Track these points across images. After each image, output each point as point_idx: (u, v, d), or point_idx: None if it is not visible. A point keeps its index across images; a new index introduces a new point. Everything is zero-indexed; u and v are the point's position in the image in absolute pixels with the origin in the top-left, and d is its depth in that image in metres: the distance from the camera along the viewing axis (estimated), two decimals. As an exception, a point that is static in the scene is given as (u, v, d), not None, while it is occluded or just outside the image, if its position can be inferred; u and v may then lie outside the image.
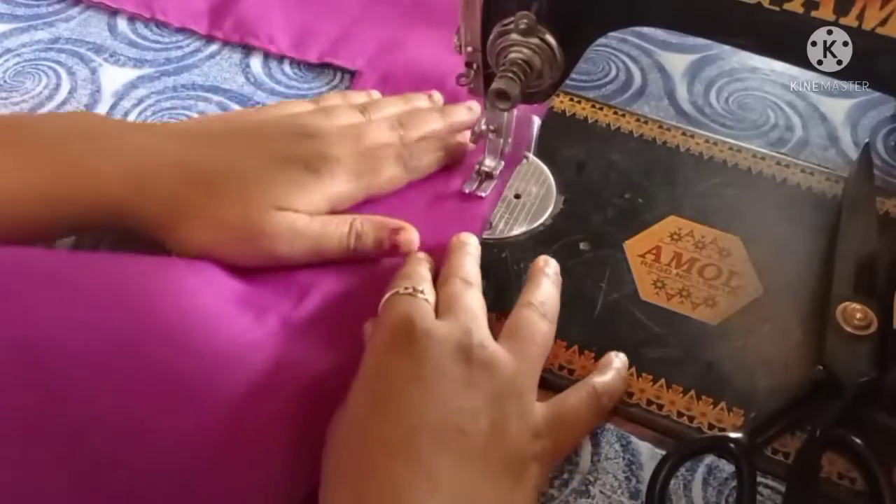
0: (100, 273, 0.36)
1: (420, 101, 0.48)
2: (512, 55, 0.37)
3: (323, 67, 0.55)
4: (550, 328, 0.38)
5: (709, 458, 0.36)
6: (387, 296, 0.36)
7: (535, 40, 0.37)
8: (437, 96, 0.49)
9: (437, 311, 0.36)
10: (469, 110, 0.47)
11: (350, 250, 0.41)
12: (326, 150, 0.42)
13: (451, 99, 0.49)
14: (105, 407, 0.31)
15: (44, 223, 0.39)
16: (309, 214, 0.40)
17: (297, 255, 0.40)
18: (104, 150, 0.40)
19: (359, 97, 0.48)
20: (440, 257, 0.42)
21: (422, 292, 0.36)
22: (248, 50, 0.56)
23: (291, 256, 0.40)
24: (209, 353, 0.34)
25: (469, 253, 0.41)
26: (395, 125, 0.45)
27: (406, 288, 0.36)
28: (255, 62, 0.55)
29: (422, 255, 0.41)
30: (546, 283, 0.39)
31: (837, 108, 0.53)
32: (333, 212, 0.42)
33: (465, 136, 0.47)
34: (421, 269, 0.39)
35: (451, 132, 0.47)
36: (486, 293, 0.41)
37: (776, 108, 0.53)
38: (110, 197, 0.39)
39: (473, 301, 0.37)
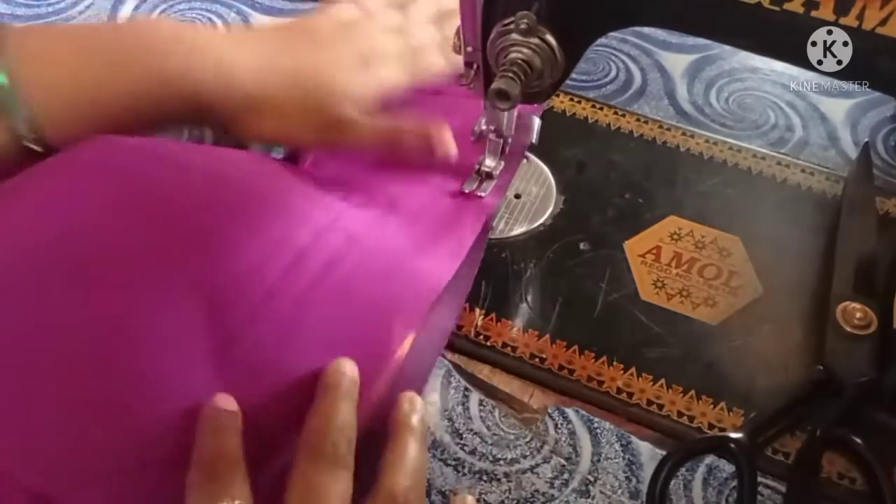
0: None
1: None
2: (512, 55, 0.37)
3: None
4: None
5: (709, 458, 0.36)
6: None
7: (535, 40, 0.37)
8: None
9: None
10: None
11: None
12: (374, 44, 0.45)
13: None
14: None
15: (132, 122, 0.39)
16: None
17: (366, 143, 0.43)
18: (194, 49, 0.41)
19: None
20: (442, 257, 0.42)
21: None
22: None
23: (359, 143, 0.43)
24: None
25: (344, 396, 0.32)
26: (426, 23, 0.47)
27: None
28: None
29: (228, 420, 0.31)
30: (410, 447, 0.32)
31: (837, 108, 0.53)
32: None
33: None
34: (223, 460, 0.30)
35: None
36: (486, 294, 0.42)
37: (776, 108, 0.53)
38: (202, 93, 0.40)
39: (331, 497, 0.30)
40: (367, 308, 0.37)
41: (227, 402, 0.31)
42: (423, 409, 0.34)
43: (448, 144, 0.43)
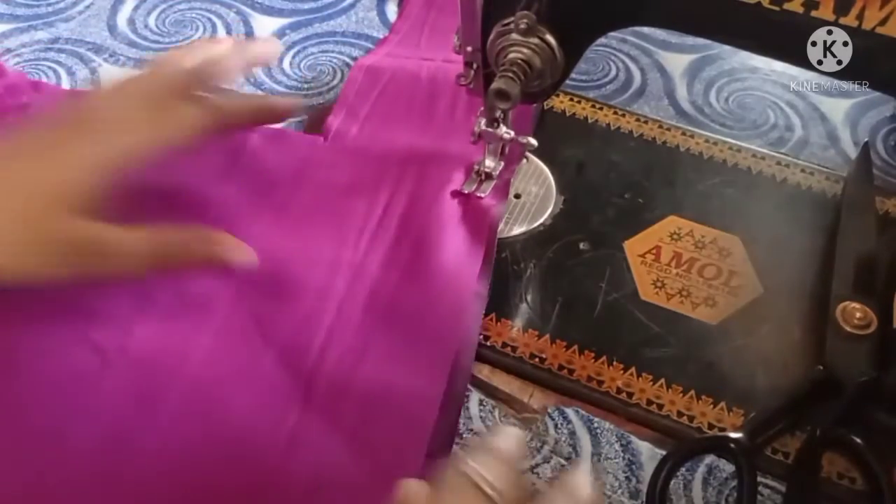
0: None
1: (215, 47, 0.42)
2: (512, 55, 0.37)
3: (323, 67, 0.55)
4: None
5: (709, 458, 0.36)
6: None
7: (535, 40, 0.37)
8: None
9: None
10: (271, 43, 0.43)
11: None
12: (106, 116, 0.36)
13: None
14: None
15: None
16: (93, 183, 0.34)
17: (107, 271, 0.35)
18: None
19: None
20: (442, 259, 0.42)
21: None
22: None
23: (100, 269, 0.35)
24: None
25: None
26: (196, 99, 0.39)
27: None
28: (255, 62, 0.55)
29: None
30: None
31: (837, 108, 0.54)
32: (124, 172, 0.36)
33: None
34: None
35: (246, 63, 0.42)
36: (486, 294, 0.41)
37: (776, 107, 0.53)
38: None
39: None
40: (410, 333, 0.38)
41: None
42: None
43: (242, 249, 0.37)
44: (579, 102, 0.52)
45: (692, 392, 0.38)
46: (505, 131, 0.42)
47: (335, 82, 0.54)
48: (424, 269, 0.41)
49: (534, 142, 0.44)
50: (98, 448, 0.34)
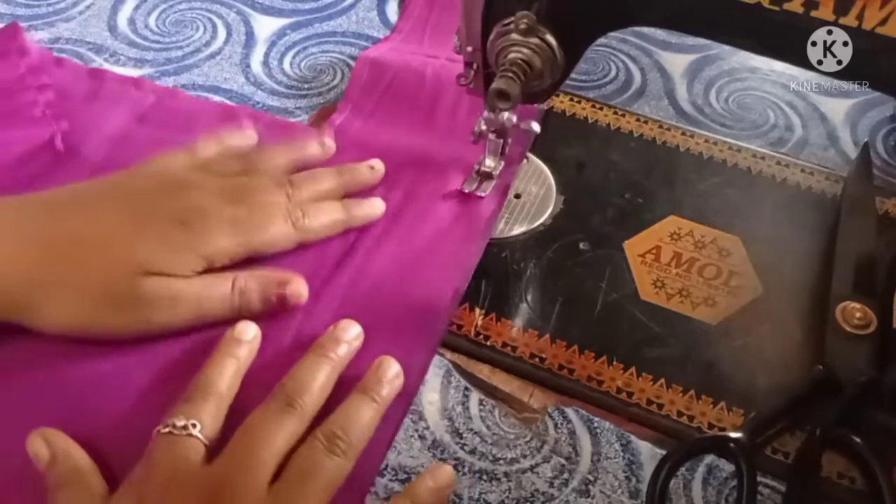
0: None
1: (311, 147, 0.45)
2: (512, 55, 0.37)
3: (323, 67, 0.55)
4: (340, 465, 0.33)
5: (709, 458, 0.37)
6: (156, 429, 0.33)
7: (535, 40, 0.37)
8: (329, 142, 0.46)
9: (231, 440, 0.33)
10: (371, 169, 0.45)
11: (236, 310, 0.38)
12: (197, 202, 0.38)
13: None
14: None
15: None
16: (185, 276, 0.37)
17: (179, 321, 0.37)
18: None
19: (236, 140, 0.45)
20: (443, 261, 0.42)
21: (192, 426, 0.32)
22: (248, 49, 0.56)
23: (172, 322, 0.37)
24: None
25: (325, 360, 0.36)
26: (283, 182, 0.42)
27: (167, 425, 0.33)
28: (255, 62, 0.55)
29: (228, 352, 0.36)
30: (359, 404, 0.35)
31: (837, 108, 0.54)
32: (211, 269, 0.38)
33: (377, 204, 0.43)
34: (206, 383, 0.35)
35: (345, 191, 0.44)
36: (486, 294, 0.42)
37: (776, 108, 0.53)
38: None
39: (273, 434, 0.33)
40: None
41: (242, 331, 0.37)
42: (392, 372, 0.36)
43: (304, 285, 0.39)
44: (579, 102, 0.52)
45: (692, 392, 0.38)
46: (507, 117, 0.42)
47: (335, 82, 0.54)
48: (409, 263, 0.42)
49: (536, 127, 0.44)
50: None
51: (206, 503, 0.30)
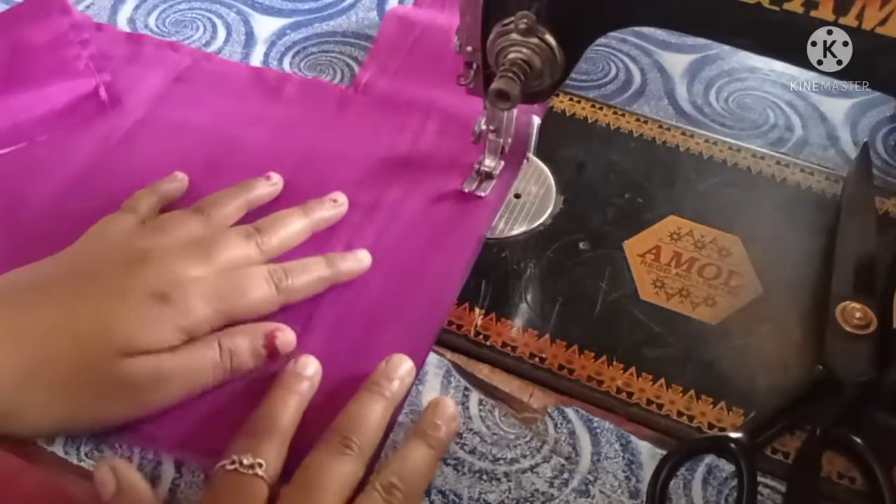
0: None
1: (260, 187, 0.44)
2: (512, 55, 0.37)
3: (323, 67, 0.55)
4: None
5: (709, 458, 0.36)
6: (221, 464, 0.32)
7: (535, 40, 0.37)
8: (276, 178, 0.45)
9: (289, 476, 0.33)
10: (334, 203, 0.44)
11: (229, 372, 0.36)
12: (175, 273, 0.37)
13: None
14: None
15: None
16: (168, 351, 0.35)
17: (171, 398, 0.35)
18: None
19: (169, 186, 0.44)
20: (442, 260, 0.42)
21: (258, 465, 0.32)
22: (248, 49, 0.56)
23: (163, 401, 0.35)
24: None
25: (378, 395, 0.35)
26: (250, 232, 0.40)
27: (234, 462, 0.32)
28: (255, 62, 0.55)
29: (289, 388, 0.36)
30: (417, 452, 0.34)
31: (837, 108, 0.54)
32: (192, 339, 0.36)
33: (363, 257, 0.42)
34: (271, 419, 0.34)
35: (313, 230, 0.43)
36: (486, 294, 0.42)
37: (776, 107, 0.53)
38: None
39: (334, 477, 0.32)
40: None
41: (304, 366, 0.37)
42: (449, 414, 0.36)
43: (291, 335, 0.38)
44: (579, 102, 0.52)
45: (692, 392, 0.38)
46: (507, 117, 0.43)
47: (335, 82, 0.54)
48: (407, 265, 0.42)
49: (537, 119, 0.45)
50: None
51: None
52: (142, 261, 0.37)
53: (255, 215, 0.43)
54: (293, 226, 0.42)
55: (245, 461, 0.32)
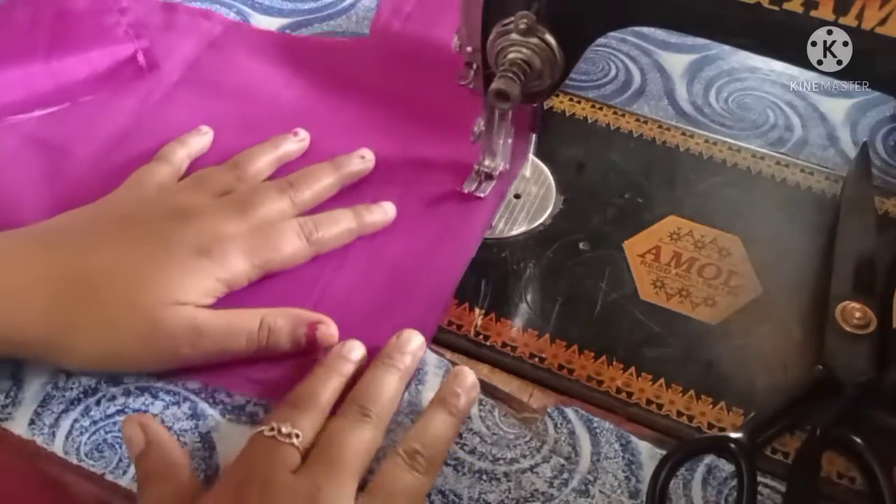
0: None
1: (288, 143, 0.46)
2: (512, 55, 0.37)
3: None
4: (420, 481, 0.34)
5: (708, 458, 0.36)
6: (260, 430, 0.34)
7: (535, 40, 0.37)
8: (304, 134, 0.47)
9: (315, 446, 0.34)
10: (362, 159, 0.46)
11: (262, 348, 0.38)
12: (215, 229, 0.39)
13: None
14: None
15: None
16: (206, 304, 0.38)
17: (201, 355, 0.37)
18: None
19: (198, 141, 0.46)
20: (441, 260, 0.42)
21: (295, 435, 0.33)
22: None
23: (194, 356, 0.37)
24: None
25: (392, 367, 0.37)
26: (284, 186, 0.42)
27: (273, 429, 0.33)
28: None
29: (332, 367, 0.37)
30: (438, 419, 0.35)
31: (837, 108, 0.53)
32: (231, 293, 0.39)
33: (388, 209, 0.44)
34: (312, 395, 0.35)
35: (342, 185, 0.45)
36: (486, 294, 0.42)
37: (776, 107, 0.53)
38: None
39: (355, 443, 0.33)
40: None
41: (351, 350, 0.37)
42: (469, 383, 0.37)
43: (334, 328, 0.39)
44: (579, 102, 0.52)
45: (692, 392, 0.38)
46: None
47: (335, 82, 0.54)
48: (406, 263, 0.43)
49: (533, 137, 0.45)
50: None
51: None
52: (184, 216, 0.39)
53: (283, 171, 0.45)
54: (324, 180, 0.44)
55: (283, 430, 0.33)
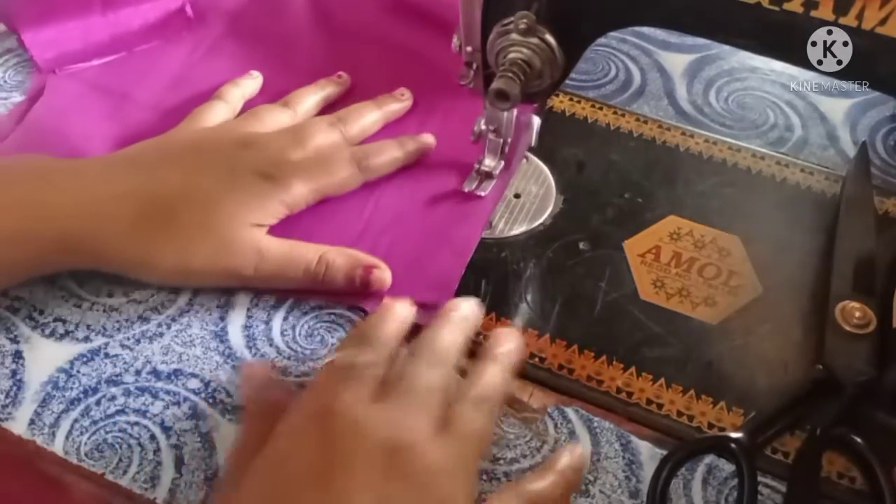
0: None
1: (331, 85, 0.50)
2: (512, 55, 0.37)
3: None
4: (487, 423, 0.33)
5: (709, 458, 0.36)
6: (326, 359, 0.34)
7: (535, 40, 0.37)
8: (346, 77, 0.51)
9: (386, 383, 0.32)
10: (401, 97, 0.50)
11: (318, 280, 0.40)
12: (276, 155, 0.42)
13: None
14: None
15: (4, 266, 0.39)
16: (269, 224, 0.41)
17: (262, 278, 0.40)
18: (58, 186, 0.40)
19: (251, 84, 0.50)
20: (441, 260, 0.42)
21: (368, 367, 0.33)
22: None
23: (256, 278, 0.40)
24: None
25: (455, 324, 0.36)
26: (333, 121, 0.46)
27: (348, 356, 0.33)
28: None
29: (393, 308, 0.37)
30: (491, 371, 0.35)
31: (837, 108, 0.54)
32: (290, 215, 0.42)
33: (427, 139, 0.47)
34: (381, 331, 0.35)
35: (385, 121, 0.49)
36: (486, 294, 0.42)
37: (776, 107, 0.53)
38: (68, 232, 0.38)
39: (432, 381, 0.33)
40: None
41: (403, 306, 0.37)
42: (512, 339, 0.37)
43: (387, 272, 0.41)
44: (579, 102, 0.52)
45: (692, 392, 0.38)
46: (507, 116, 0.43)
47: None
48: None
49: (537, 119, 0.45)
50: None
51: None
52: (246, 144, 0.42)
53: (327, 111, 0.49)
54: (370, 116, 0.48)
55: (353, 358, 0.33)
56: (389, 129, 0.49)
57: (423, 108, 0.51)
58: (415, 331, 0.36)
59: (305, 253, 0.40)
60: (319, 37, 0.55)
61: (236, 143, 0.43)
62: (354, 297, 0.41)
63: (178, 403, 0.37)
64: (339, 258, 0.40)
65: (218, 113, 0.47)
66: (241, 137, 0.43)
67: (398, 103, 0.50)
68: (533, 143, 0.47)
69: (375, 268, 0.40)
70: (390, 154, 0.46)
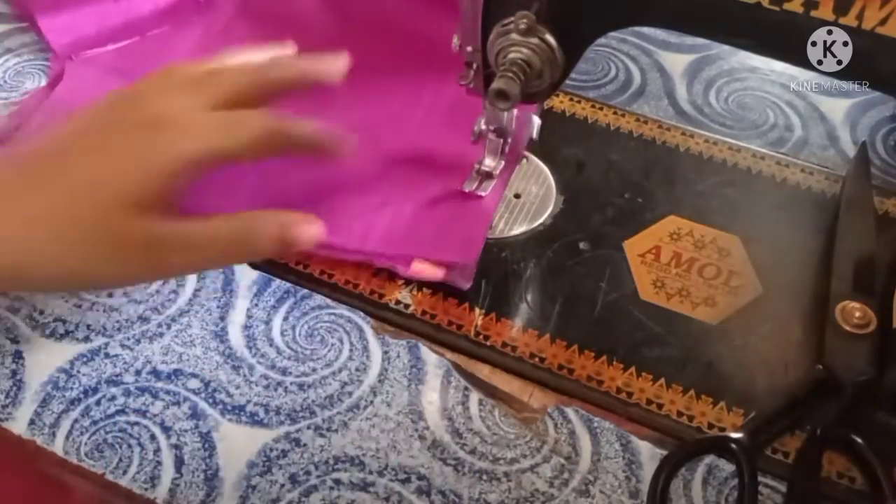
0: None
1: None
2: (512, 55, 0.37)
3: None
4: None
5: (709, 458, 0.37)
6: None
7: (535, 40, 0.37)
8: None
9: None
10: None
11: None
12: (154, 111, 0.36)
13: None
14: None
15: None
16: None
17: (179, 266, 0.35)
18: None
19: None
20: (441, 260, 0.42)
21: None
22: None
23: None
24: None
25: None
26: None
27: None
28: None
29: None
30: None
31: (837, 108, 0.54)
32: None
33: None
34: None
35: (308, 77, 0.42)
36: (486, 294, 0.42)
37: (776, 107, 0.54)
38: None
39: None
40: None
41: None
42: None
43: (311, 226, 0.36)
44: (579, 102, 0.52)
45: (692, 392, 0.38)
46: (507, 116, 0.43)
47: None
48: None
49: (537, 120, 0.45)
50: None
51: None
52: (118, 102, 0.39)
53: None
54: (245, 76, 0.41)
55: None
56: (389, 129, 0.49)
57: (428, 97, 0.51)
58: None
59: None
60: (330, 19, 0.56)
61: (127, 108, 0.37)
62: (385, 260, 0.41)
63: (178, 403, 0.37)
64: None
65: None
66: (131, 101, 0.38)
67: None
68: (534, 136, 0.47)
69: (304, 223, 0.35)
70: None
